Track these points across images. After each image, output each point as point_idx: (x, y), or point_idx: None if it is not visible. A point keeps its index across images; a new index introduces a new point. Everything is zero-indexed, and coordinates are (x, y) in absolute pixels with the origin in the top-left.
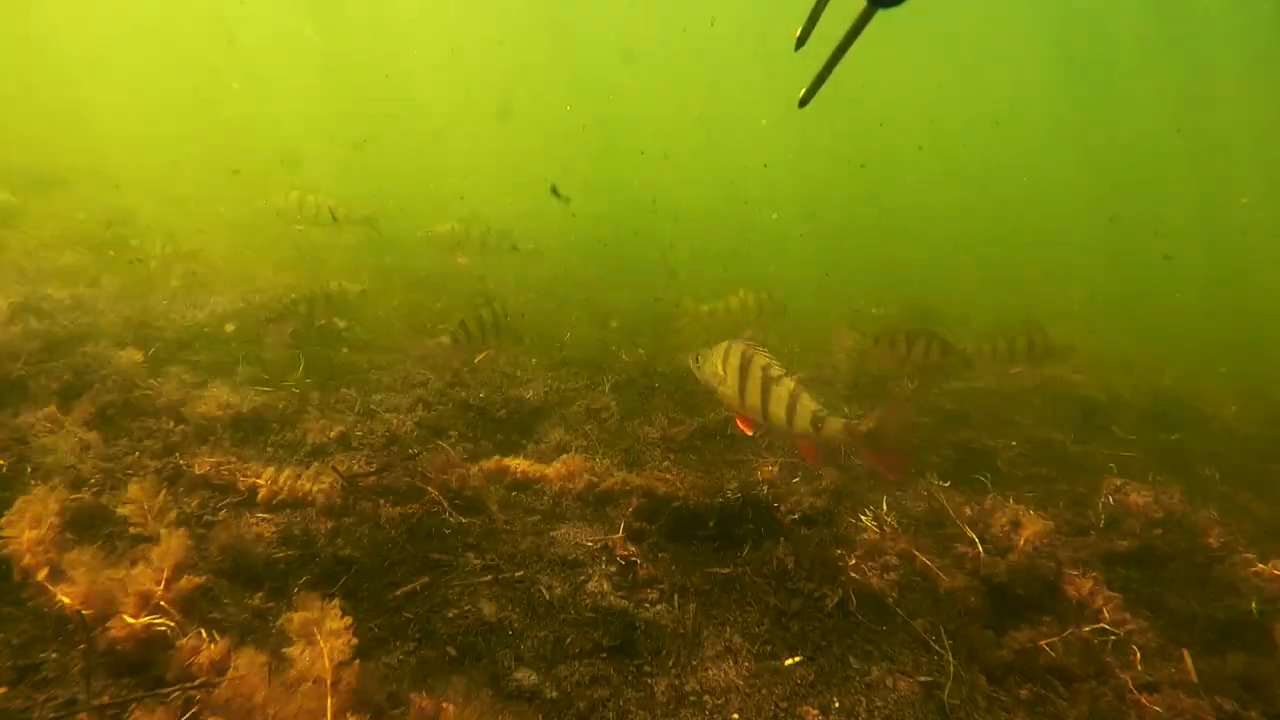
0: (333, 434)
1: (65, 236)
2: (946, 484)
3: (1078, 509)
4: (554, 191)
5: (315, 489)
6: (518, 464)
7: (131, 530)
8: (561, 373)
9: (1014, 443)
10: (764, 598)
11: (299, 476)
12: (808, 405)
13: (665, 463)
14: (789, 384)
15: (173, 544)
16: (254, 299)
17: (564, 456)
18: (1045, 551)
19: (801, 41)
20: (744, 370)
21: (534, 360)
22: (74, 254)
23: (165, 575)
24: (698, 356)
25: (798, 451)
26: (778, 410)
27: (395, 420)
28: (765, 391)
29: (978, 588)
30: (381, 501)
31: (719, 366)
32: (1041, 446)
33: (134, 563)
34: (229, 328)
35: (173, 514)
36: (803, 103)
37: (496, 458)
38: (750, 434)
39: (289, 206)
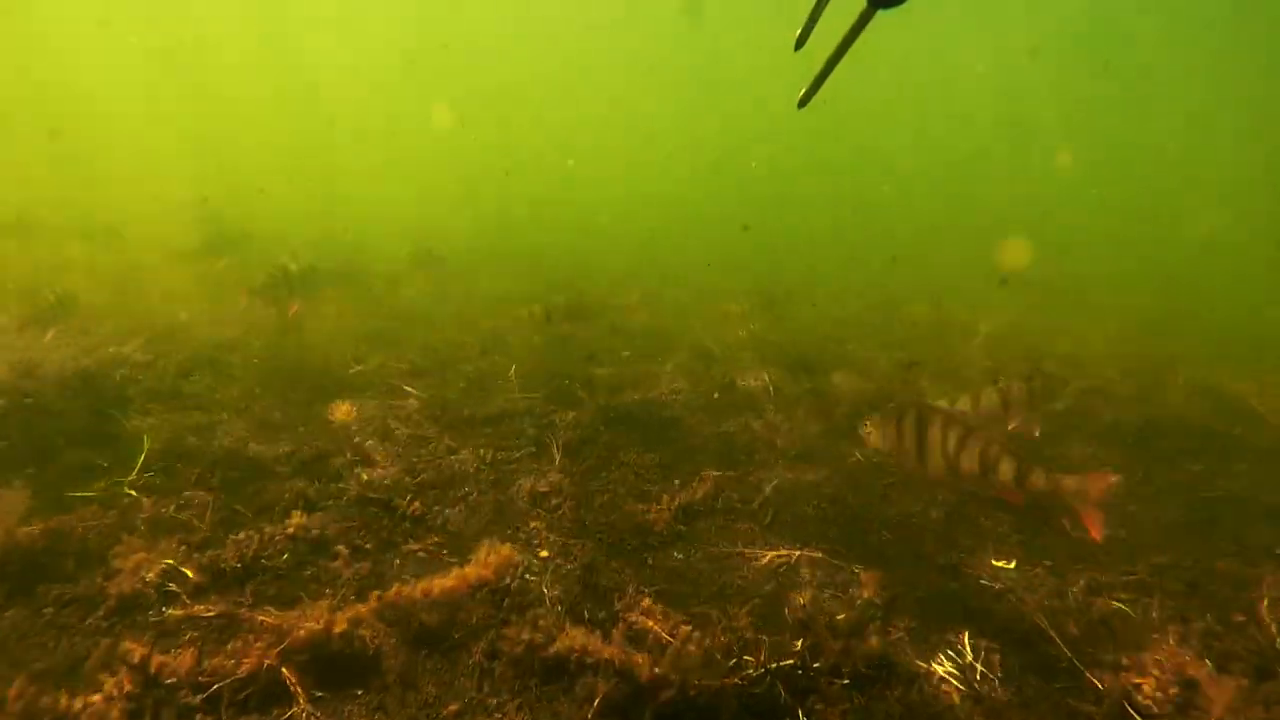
0: (152, 574)
1: None
2: (1012, 565)
3: (1215, 608)
4: None
5: (83, 707)
6: (423, 590)
7: None
8: (502, 431)
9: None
10: None
11: (63, 682)
12: None
13: (642, 586)
14: None
15: None
16: (109, 350)
17: (488, 563)
18: None
19: (801, 42)
20: None
21: (467, 412)
22: None
23: None
24: None
25: None
26: None
27: (259, 536)
28: None
29: None
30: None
31: None
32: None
33: None
34: (62, 394)
35: None
36: (801, 104)
37: (378, 592)
38: None
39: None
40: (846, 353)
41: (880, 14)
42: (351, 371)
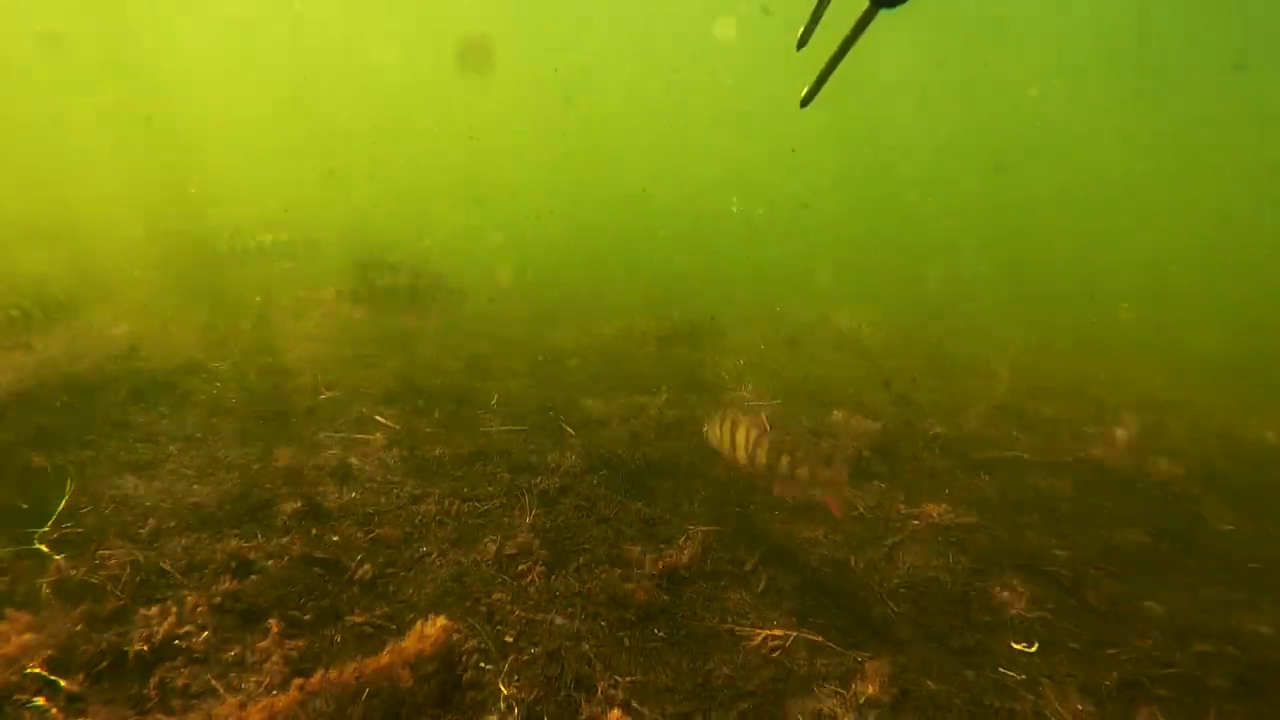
0: (34, 664)
1: None
2: (1034, 648)
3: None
4: None
5: None
6: (355, 673)
7: None
8: (474, 474)
9: (1092, 551)
10: None
11: None
12: None
13: (616, 678)
14: None
15: None
16: (58, 370)
17: (425, 635)
18: None
19: (803, 42)
20: None
21: (438, 450)
22: None
23: None
24: None
25: None
26: None
27: (177, 608)
28: None
29: None
30: None
31: None
32: (1131, 554)
33: None
34: None
35: None
36: (804, 103)
37: (300, 680)
38: None
39: None
40: (846, 383)
41: (883, 13)
42: (321, 398)
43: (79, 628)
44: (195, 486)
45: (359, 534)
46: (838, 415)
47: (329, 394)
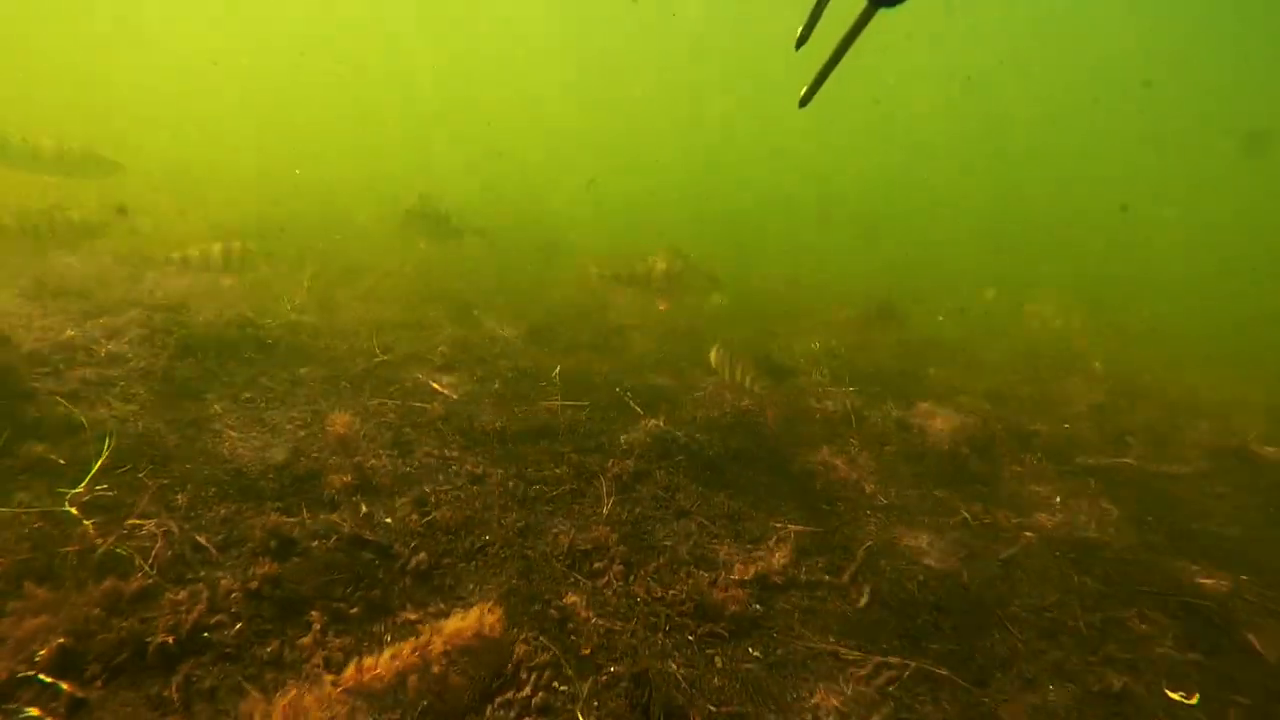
0: (44, 652)
1: None
2: (1194, 700)
3: None
4: None
5: None
6: (393, 663)
7: None
8: (539, 453)
9: (1243, 578)
10: None
11: None
12: None
13: (710, 707)
14: None
15: None
16: (100, 321)
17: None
18: None
19: (802, 41)
20: None
21: (500, 424)
22: None
23: None
24: None
25: None
26: None
27: (209, 593)
28: None
29: None
30: None
31: None
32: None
33: None
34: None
35: None
36: (803, 103)
37: (332, 676)
38: None
39: None
40: (931, 375)
41: (882, 12)
42: (375, 361)
43: (98, 611)
44: (240, 450)
45: (414, 516)
46: (925, 406)
47: (384, 357)
